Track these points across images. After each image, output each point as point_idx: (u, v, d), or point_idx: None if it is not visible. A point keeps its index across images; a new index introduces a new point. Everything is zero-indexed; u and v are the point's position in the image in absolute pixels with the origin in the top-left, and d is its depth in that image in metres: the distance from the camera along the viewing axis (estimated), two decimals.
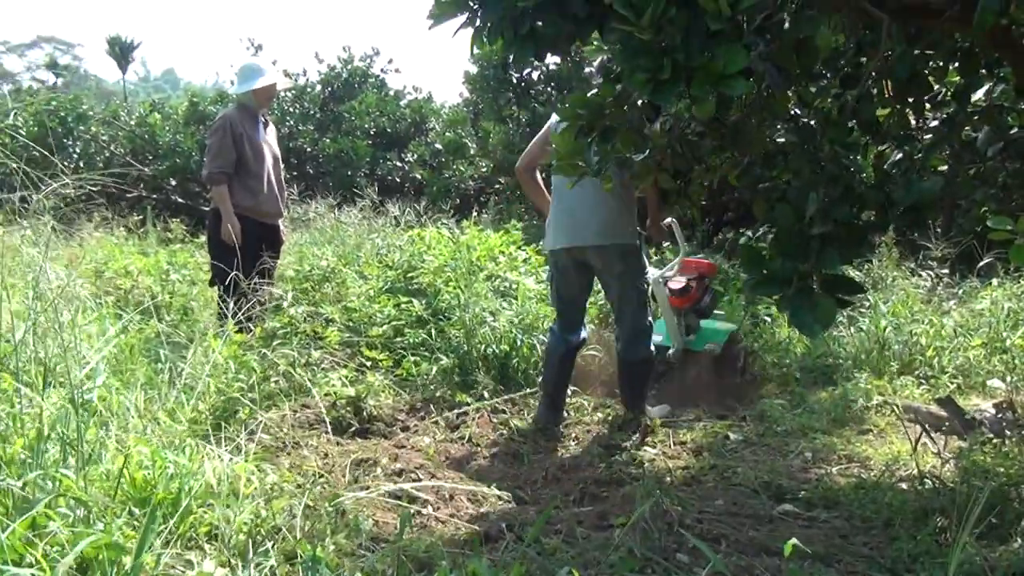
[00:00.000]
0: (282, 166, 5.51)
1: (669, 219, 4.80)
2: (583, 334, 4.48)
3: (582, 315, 4.51)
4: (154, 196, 13.37)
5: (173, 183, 13.63)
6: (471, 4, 2.52)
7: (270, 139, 5.38)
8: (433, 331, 4.98)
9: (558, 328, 4.41)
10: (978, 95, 3.89)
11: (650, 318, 4.39)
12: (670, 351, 5.18)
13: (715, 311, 5.61)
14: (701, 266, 5.35)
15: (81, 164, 12.74)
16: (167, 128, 14.17)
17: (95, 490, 2.22)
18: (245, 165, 5.12)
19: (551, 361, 4.38)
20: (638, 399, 4.43)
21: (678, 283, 5.14)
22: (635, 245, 4.21)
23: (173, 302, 5.66)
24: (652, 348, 4.42)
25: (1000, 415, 4.06)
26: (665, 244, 7.00)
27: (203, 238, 8.71)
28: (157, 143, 13.79)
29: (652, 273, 4.96)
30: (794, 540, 2.09)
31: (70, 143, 13.73)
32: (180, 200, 13.53)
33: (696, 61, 2.05)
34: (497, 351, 4.78)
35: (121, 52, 49.61)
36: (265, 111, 5.44)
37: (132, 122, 14.51)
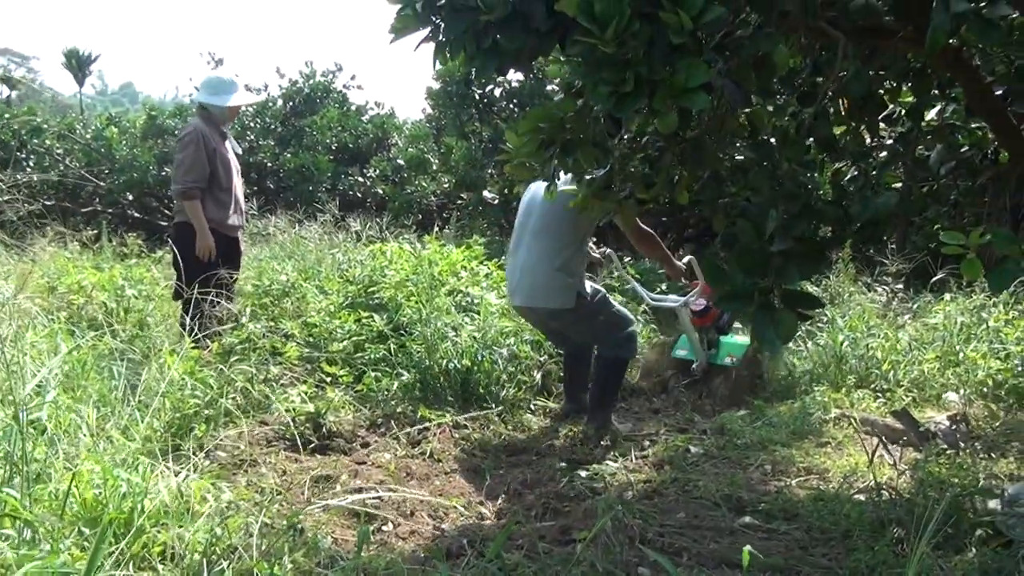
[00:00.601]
0: (241, 179, 5.47)
1: (688, 257, 5.31)
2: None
3: (566, 335, 4.74)
4: (110, 211, 13.13)
5: (130, 198, 13.40)
6: (433, 18, 2.52)
7: (232, 151, 5.35)
8: (394, 346, 4.94)
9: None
10: (930, 115, 3.98)
11: (628, 329, 4.60)
12: (694, 365, 5.57)
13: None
14: None
15: (35, 178, 12.47)
16: (124, 142, 13.93)
17: (42, 510, 2.15)
18: (217, 179, 5.08)
19: (564, 367, 4.95)
20: (605, 408, 4.52)
21: (698, 305, 5.48)
22: (567, 309, 4.36)
23: (128, 318, 5.55)
24: (630, 353, 4.70)
25: (954, 427, 4.14)
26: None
27: (160, 253, 8.58)
28: (114, 157, 13.54)
29: (676, 301, 5.47)
30: (749, 547, 2.09)
31: (24, 156, 13.43)
32: (136, 215, 13.30)
33: (658, 75, 2.06)
34: (459, 366, 4.75)
35: (78, 65, 48.76)
36: (227, 124, 5.41)
37: (88, 136, 14.25)
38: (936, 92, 3.68)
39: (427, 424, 4.29)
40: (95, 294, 5.72)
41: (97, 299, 5.64)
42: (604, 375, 4.57)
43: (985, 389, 4.87)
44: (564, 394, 4.96)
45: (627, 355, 4.64)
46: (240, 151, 5.51)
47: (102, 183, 13.28)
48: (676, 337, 5.86)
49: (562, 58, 3.14)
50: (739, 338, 5.69)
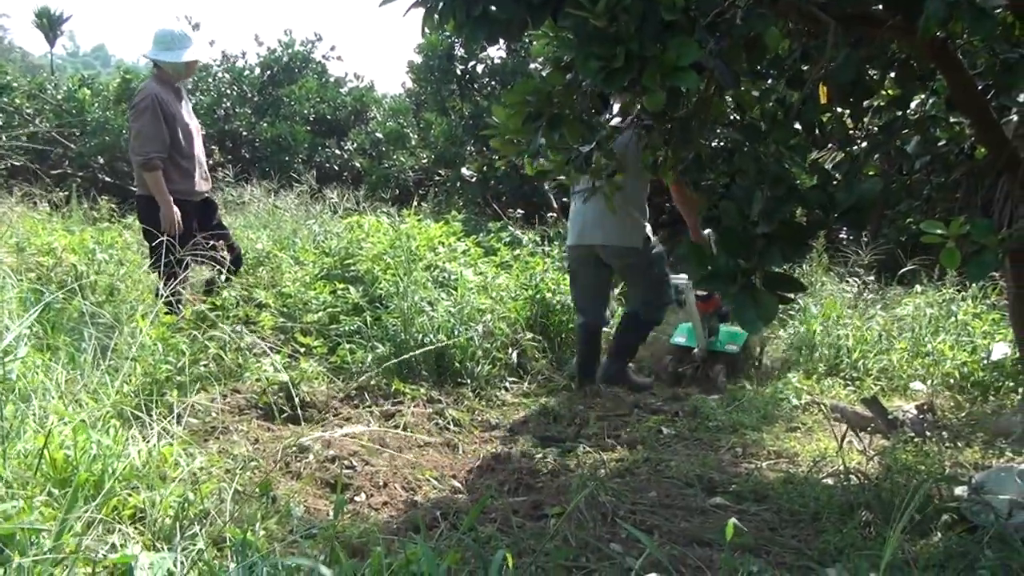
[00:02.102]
0: (201, 139, 5.25)
1: (707, 231, 5.24)
2: (605, 318, 5.08)
3: (598, 301, 5.03)
4: (80, 174, 12.88)
5: (100, 161, 13.16)
6: None
7: (189, 111, 5.15)
8: (369, 319, 4.91)
9: (577, 313, 5.12)
10: (911, 106, 4.00)
11: (666, 300, 5.00)
12: (695, 351, 5.54)
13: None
14: None
15: (3, 137, 12.20)
16: (96, 104, 13.66)
17: (14, 466, 2.12)
18: (178, 146, 4.86)
19: (579, 340, 5.10)
20: (621, 359, 4.98)
21: (704, 290, 5.47)
22: (635, 248, 4.77)
23: (99, 281, 5.46)
24: (657, 321, 5.06)
25: (921, 416, 4.22)
26: None
27: (131, 218, 8.45)
28: (85, 119, 13.28)
29: (684, 280, 5.43)
30: (734, 520, 2.11)
31: None
32: (107, 179, 13.07)
33: (649, 51, 2.05)
34: (435, 341, 4.73)
35: (49, 24, 47.47)
36: (184, 82, 5.21)
37: (59, 96, 13.95)
38: (918, 84, 3.70)
39: (401, 398, 4.28)
40: (65, 256, 5.62)
41: (67, 261, 5.55)
42: (629, 330, 4.98)
43: (952, 380, 4.96)
44: (579, 370, 5.05)
45: (653, 319, 5.02)
46: (189, 107, 5.19)
47: (72, 145, 13.03)
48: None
49: (551, 33, 3.12)
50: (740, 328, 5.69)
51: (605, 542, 2.68)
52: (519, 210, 8.99)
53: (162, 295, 3.83)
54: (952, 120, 4.33)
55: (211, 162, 5.46)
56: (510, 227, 7.62)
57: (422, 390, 4.39)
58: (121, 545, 2.10)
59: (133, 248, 6.26)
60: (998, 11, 2.76)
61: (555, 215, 8.80)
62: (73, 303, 4.06)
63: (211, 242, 4.48)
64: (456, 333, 4.80)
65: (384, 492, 3.15)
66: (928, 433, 3.97)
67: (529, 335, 5.30)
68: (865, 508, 2.90)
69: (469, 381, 4.69)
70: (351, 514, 2.89)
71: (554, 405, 4.55)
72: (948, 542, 2.66)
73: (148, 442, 2.68)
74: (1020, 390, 4.72)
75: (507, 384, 4.91)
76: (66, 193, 9.21)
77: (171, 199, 4.76)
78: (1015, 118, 3.52)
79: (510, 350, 5.13)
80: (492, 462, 3.62)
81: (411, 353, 4.37)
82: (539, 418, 4.41)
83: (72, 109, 13.52)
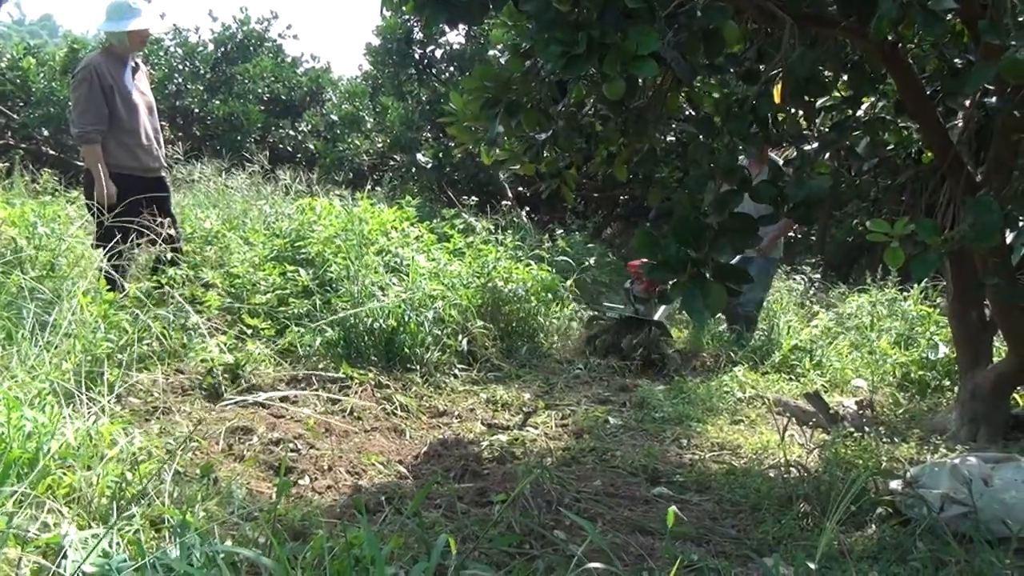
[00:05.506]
0: (156, 114, 5.14)
1: None
2: None
3: None
4: (23, 146, 12.48)
5: (45, 133, 12.76)
6: None
7: (141, 85, 5.00)
8: (319, 302, 4.85)
9: None
10: (861, 109, 4.08)
11: None
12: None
13: None
14: None
15: None
16: (42, 75, 13.23)
17: None
18: (118, 120, 4.73)
19: None
20: None
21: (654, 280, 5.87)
22: None
23: (39, 256, 5.30)
24: None
25: (861, 412, 4.32)
26: None
27: (75, 192, 8.22)
28: (30, 89, 12.86)
29: None
30: (674, 508, 2.14)
31: None
32: (52, 152, 12.68)
33: (610, 39, 2.05)
34: (384, 326, 4.69)
35: None
36: (135, 54, 5.06)
37: (3, 65, 13.48)
38: (869, 85, 3.78)
39: (349, 382, 4.23)
40: (4, 229, 5.44)
41: (6, 235, 5.37)
42: None
43: (891, 378, 5.08)
44: None
45: None
46: (144, 83, 5.08)
47: (16, 116, 12.62)
48: None
49: (509, 22, 3.10)
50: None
51: (549, 529, 2.69)
52: (473, 197, 8.97)
53: (102, 270, 3.73)
54: (900, 124, 4.43)
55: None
56: (464, 214, 7.59)
57: (370, 375, 4.35)
58: (54, 524, 2.04)
59: (76, 223, 6.08)
60: (948, 16, 2.83)
61: (509, 203, 8.79)
62: (11, 277, 3.94)
63: (156, 219, 4.36)
64: (407, 319, 4.76)
65: (329, 476, 3.12)
66: (867, 428, 4.06)
67: (480, 323, 5.28)
68: (804, 500, 2.96)
69: (418, 367, 4.66)
70: (294, 497, 2.86)
71: (502, 393, 4.55)
72: (882, 534, 2.73)
73: (86, 420, 2.61)
74: (956, 388, 4.86)
75: (456, 371, 4.89)
76: (7, 164, 8.91)
77: (105, 173, 4.64)
78: (960, 123, 3.61)
79: (460, 337, 5.11)
80: (439, 448, 3.61)
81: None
82: (487, 405, 4.41)
83: (16, 79, 13.08)
